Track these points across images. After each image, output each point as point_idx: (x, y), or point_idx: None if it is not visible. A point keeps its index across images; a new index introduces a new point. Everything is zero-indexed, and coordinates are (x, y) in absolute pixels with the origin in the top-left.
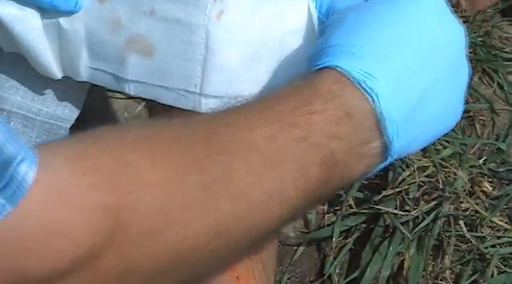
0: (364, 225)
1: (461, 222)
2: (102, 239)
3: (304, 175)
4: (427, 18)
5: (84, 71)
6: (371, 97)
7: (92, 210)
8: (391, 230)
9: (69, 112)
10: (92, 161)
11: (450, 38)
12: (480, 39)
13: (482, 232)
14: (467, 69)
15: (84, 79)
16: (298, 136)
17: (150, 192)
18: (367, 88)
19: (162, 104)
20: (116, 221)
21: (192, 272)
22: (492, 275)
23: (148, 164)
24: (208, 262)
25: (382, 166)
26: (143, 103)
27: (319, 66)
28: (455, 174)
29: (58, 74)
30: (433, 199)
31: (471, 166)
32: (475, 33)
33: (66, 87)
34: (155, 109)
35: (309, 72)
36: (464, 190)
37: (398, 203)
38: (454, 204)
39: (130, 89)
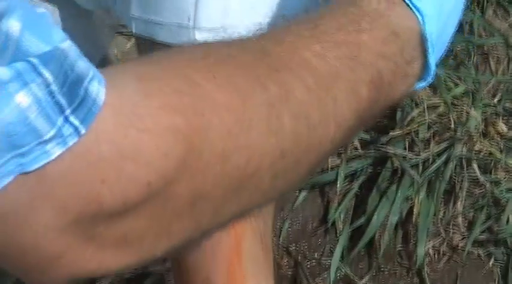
0: (370, 168)
1: (474, 165)
2: (175, 164)
3: (355, 94)
4: None
5: None
6: (419, 16)
7: (164, 133)
8: (399, 173)
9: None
10: (161, 82)
11: None
12: None
13: (496, 176)
14: None
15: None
16: (347, 54)
17: (220, 114)
18: (415, 8)
19: (150, 43)
20: (189, 145)
21: (257, 198)
22: (507, 222)
23: (213, 86)
24: (272, 186)
25: (420, 86)
26: (133, 40)
27: None
28: (467, 113)
29: None
30: (444, 140)
31: (485, 105)
32: None
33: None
34: (142, 47)
35: None
36: (478, 131)
37: (407, 144)
38: (466, 145)
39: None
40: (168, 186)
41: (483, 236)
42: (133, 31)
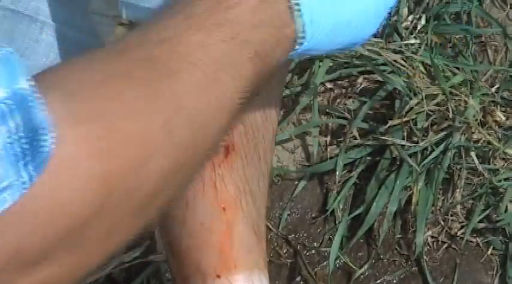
0: (369, 158)
1: (472, 154)
2: (93, 210)
3: (241, 74)
4: None
5: None
6: None
7: (81, 179)
8: (398, 162)
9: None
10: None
11: None
12: None
13: (495, 165)
14: None
15: None
16: (225, 36)
17: (130, 149)
18: None
19: None
20: (106, 189)
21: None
22: (506, 210)
23: (121, 113)
24: (170, 195)
25: (298, 53)
26: None
27: None
28: (466, 103)
29: None
30: (442, 130)
31: (483, 95)
32: None
33: None
34: None
35: None
36: (476, 120)
37: (405, 134)
38: (465, 135)
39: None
40: (84, 230)
41: (482, 225)
42: (124, 16)
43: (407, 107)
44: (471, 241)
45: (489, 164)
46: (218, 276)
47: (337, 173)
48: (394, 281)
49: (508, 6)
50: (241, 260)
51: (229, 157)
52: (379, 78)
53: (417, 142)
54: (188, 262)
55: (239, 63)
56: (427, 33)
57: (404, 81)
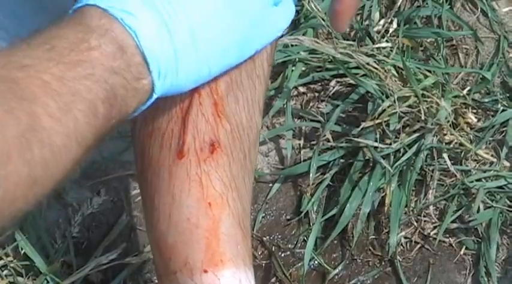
0: (342, 160)
1: (445, 155)
2: None
3: (93, 112)
4: None
5: None
6: (132, 34)
7: None
8: (371, 164)
9: None
10: None
11: None
12: None
13: (467, 166)
14: None
15: None
16: (83, 74)
17: None
18: (126, 26)
19: None
20: None
21: (8, 224)
22: (478, 211)
23: None
24: (21, 210)
25: (149, 104)
26: None
27: (82, 5)
28: (438, 105)
29: None
30: (415, 131)
31: (455, 97)
32: None
33: None
34: None
35: (74, 10)
36: (448, 122)
37: (378, 136)
38: (437, 136)
39: None
40: None
41: (454, 225)
42: None
43: (379, 109)
44: (444, 242)
45: (461, 165)
46: (205, 271)
47: (311, 175)
48: (368, 282)
49: (479, 9)
50: (228, 255)
51: (214, 154)
52: (352, 81)
53: (390, 144)
54: (175, 257)
55: (92, 101)
56: (398, 36)
57: (377, 84)
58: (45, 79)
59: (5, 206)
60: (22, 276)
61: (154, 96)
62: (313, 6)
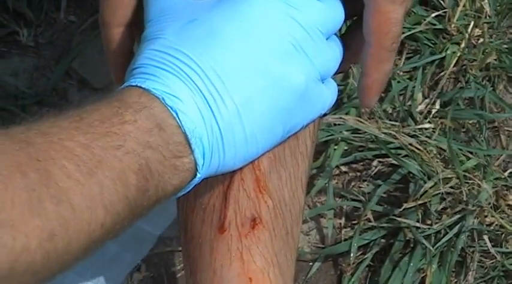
0: (383, 240)
1: (485, 237)
2: None
3: (123, 181)
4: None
5: None
6: (173, 114)
7: None
8: (411, 245)
9: None
10: None
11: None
12: (505, 45)
13: (507, 248)
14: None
15: None
16: (113, 144)
17: None
18: (168, 106)
19: None
20: None
21: (29, 279)
22: None
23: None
24: (44, 267)
25: (195, 183)
26: None
27: (123, 86)
28: (479, 186)
29: None
30: (456, 213)
31: (496, 179)
32: (500, 39)
33: None
34: None
35: (117, 90)
36: (489, 203)
37: (419, 216)
38: (478, 218)
39: None
40: None
41: None
42: None
43: (422, 190)
44: None
45: (501, 247)
46: None
47: (352, 255)
48: None
49: None
50: None
51: (256, 229)
52: (394, 162)
53: (431, 225)
54: None
55: (123, 171)
56: (441, 117)
57: (419, 165)
58: (66, 145)
59: (16, 254)
60: None
61: (198, 175)
62: (356, 85)
